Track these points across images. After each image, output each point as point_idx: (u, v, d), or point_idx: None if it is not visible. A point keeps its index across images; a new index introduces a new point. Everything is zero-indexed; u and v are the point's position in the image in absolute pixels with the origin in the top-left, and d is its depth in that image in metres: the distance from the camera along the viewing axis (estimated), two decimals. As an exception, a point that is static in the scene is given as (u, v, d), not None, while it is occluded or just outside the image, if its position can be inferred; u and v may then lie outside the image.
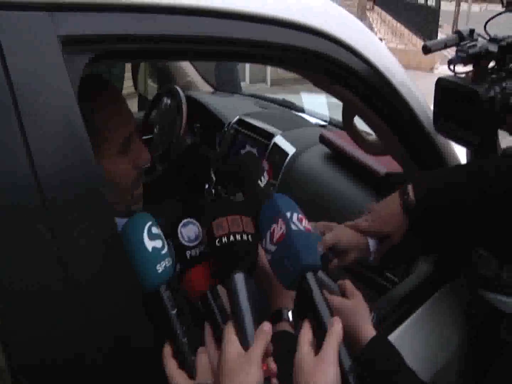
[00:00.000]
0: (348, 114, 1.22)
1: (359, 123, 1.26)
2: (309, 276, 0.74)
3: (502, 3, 1.10)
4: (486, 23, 1.10)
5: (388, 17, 12.45)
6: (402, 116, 1.11)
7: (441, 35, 11.05)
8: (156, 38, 0.68)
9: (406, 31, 11.57)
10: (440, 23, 10.74)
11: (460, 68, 1.08)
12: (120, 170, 0.89)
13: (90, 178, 0.61)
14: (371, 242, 1.08)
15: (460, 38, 1.08)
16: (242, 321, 0.71)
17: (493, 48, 1.03)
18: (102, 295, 0.61)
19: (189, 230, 0.82)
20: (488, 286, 1.26)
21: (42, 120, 0.57)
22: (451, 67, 1.07)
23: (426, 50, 1.08)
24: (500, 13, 1.08)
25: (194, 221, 0.83)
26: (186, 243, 0.81)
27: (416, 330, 1.21)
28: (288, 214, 0.77)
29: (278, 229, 0.77)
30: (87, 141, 0.60)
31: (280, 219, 0.77)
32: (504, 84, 0.99)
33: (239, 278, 0.74)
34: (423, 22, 10.78)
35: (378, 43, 1.06)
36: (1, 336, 0.53)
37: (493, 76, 1.02)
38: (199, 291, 0.81)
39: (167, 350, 0.75)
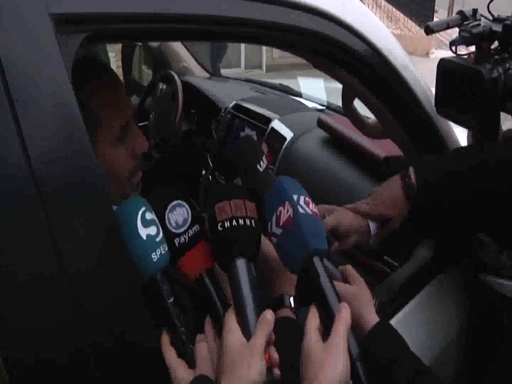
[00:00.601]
0: (348, 97, 1.20)
1: (358, 108, 1.25)
2: (316, 260, 0.73)
3: None
4: (489, 3, 1.08)
5: (384, 2, 12.37)
6: (403, 99, 1.09)
7: (437, 20, 10.98)
8: (154, 18, 0.65)
9: (401, 16, 11.50)
10: (435, 8, 10.68)
11: (462, 50, 1.06)
12: (118, 158, 0.86)
13: (86, 165, 0.59)
14: (372, 226, 1.07)
15: (463, 18, 1.06)
16: (243, 309, 0.69)
17: (497, 27, 1.01)
18: (99, 286, 0.60)
19: (177, 215, 0.78)
20: (489, 270, 1.26)
21: (35, 105, 0.55)
22: (453, 48, 1.05)
23: (429, 30, 1.06)
24: None
25: (182, 203, 0.79)
26: (174, 230, 0.77)
27: (416, 316, 1.20)
28: (295, 197, 0.75)
29: (285, 212, 0.75)
30: (82, 126, 0.58)
31: (287, 202, 0.75)
32: (507, 65, 0.97)
33: (241, 265, 0.72)
34: (418, 7, 10.72)
35: (379, 24, 1.04)
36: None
37: (496, 57, 1.00)
38: (194, 277, 0.79)
39: (165, 339, 0.74)
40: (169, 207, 0.78)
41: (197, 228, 0.79)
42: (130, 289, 0.65)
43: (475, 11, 1.06)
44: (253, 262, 0.75)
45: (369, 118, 1.27)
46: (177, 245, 0.77)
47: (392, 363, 0.76)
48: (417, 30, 10.66)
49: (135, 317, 0.64)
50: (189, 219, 0.79)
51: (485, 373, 1.30)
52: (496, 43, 1.04)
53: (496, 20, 1.04)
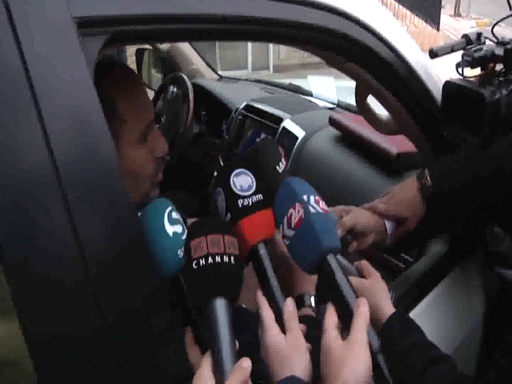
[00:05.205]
0: (361, 94, 1.21)
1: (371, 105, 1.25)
2: (330, 258, 0.73)
3: (510, 5, 1.09)
4: (493, 26, 1.09)
5: (390, -1, 12.38)
6: (416, 94, 1.10)
7: (443, 16, 10.95)
8: (174, 19, 0.67)
9: (407, 13, 11.46)
10: (442, 3, 10.63)
11: (469, 71, 1.07)
12: (139, 159, 0.87)
13: (107, 164, 0.60)
14: (388, 225, 1.08)
15: (467, 42, 1.07)
16: (219, 355, 0.64)
17: (499, 51, 1.02)
18: (121, 284, 0.60)
19: (242, 180, 0.80)
20: (504, 263, 1.26)
21: (59, 105, 0.56)
22: (459, 70, 1.06)
23: (433, 54, 1.07)
24: (508, 16, 1.07)
25: (248, 172, 0.81)
26: (238, 192, 0.78)
27: (433, 310, 1.20)
28: (305, 197, 0.76)
29: (296, 213, 0.75)
30: (104, 125, 0.59)
31: (297, 203, 0.75)
32: (511, 87, 0.99)
33: (219, 306, 0.67)
34: (425, 3, 10.67)
35: (392, 20, 1.04)
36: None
37: (501, 79, 1.02)
38: (250, 243, 0.78)
39: (189, 337, 0.74)
40: (235, 171, 0.80)
41: (260, 197, 0.80)
42: (153, 288, 0.65)
43: (479, 34, 1.08)
44: (234, 301, 0.70)
45: (382, 114, 1.27)
46: (240, 205, 0.78)
47: (409, 350, 0.77)
48: (423, 26, 10.62)
49: (159, 318, 0.65)
50: (254, 187, 0.80)
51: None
52: (501, 65, 1.05)
53: (500, 43, 1.05)
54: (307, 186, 0.80)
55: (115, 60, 0.87)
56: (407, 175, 1.34)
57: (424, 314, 1.16)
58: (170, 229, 0.74)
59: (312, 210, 0.74)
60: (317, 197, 0.77)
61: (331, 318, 0.71)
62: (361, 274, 0.91)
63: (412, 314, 1.13)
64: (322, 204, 0.77)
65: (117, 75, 0.86)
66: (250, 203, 0.79)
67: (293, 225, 0.75)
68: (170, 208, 0.76)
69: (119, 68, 0.89)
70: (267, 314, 0.73)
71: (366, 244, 1.06)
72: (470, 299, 1.29)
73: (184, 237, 0.75)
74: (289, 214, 0.76)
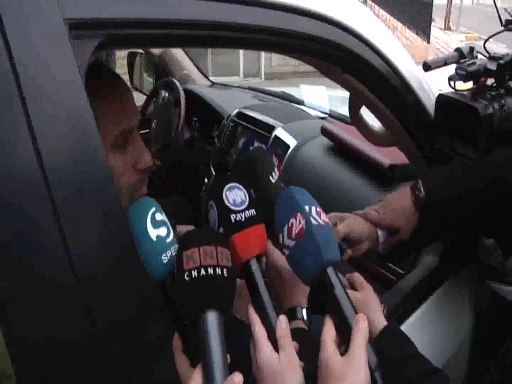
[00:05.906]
0: (355, 105, 1.21)
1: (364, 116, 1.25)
2: (330, 271, 0.72)
3: (501, 22, 1.10)
4: (485, 42, 1.11)
5: (381, 11, 12.48)
6: (410, 107, 1.10)
7: (433, 29, 11.09)
8: (167, 24, 0.65)
9: (399, 24, 11.60)
10: (432, 16, 10.76)
11: (461, 85, 1.08)
12: (115, 167, 0.81)
13: (98, 167, 0.58)
14: (380, 233, 1.08)
15: (460, 56, 1.08)
16: (210, 369, 0.63)
17: (492, 66, 1.04)
18: (111, 292, 0.58)
19: (234, 194, 0.78)
20: (494, 276, 1.26)
21: (49, 109, 0.54)
22: (451, 83, 1.07)
23: (427, 67, 1.08)
24: (499, 32, 1.09)
25: (241, 187, 0.79)
26: (231, 206, 0.76)
27: (425, 322, 1.20)
28: (307, 208, 0.74)
29: (297, 223, 0.73)
30: (95, 130, 0.58)
31: (299, 213, 0.74)
32: (503, 101, 1.00)
33: (211, 319, 0.66)
34: (416, 16, 10.80)
35: (387, 32, 1.04)
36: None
37: (492, 93, 1.03)
38: (244, 258, 0.76)
39: (177, 343, 0.72)
40: (227, 185, 0.78)
41: (253, 213, 0.78)
42: (144, 293, 0.64)
43: (471, 48, 1.09)
44: (225, 312, 0.69)
45: (375, 126, 1.27)
46: (232, 220, 0.76)
47: (403, 363, 0.76)
48: (414, 38, 10.74)
49: (150, 327, 0.63)
50: (247, 202, 0.78)
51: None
52: (492, 79, 1.06)
53: (492, 58, 1.06)
54: (309, 196, 0.79)
55: (98, 61, 0.84)
56: (400, 186, 1.34)
57: (415, 327, 1.15)
58: (153, 232, 0.71)
59: (313, 221, 0.73)
60: (318, 209, 0.76)
61: (329, 332, 0.70)
62: (352, 286, 0.90)
63: (404, 326, 1.13)
64: (323, 215, 0.76)
65: (98, 76, 0.81)
66: (243, 218, 0.77)
67: (293, 235, 0.74)
68: (153, 209, 0.73)
69: (101, 69, 0.85)
70: (260, 331, 0.71)
71: (360, 252, 1.06)
72: (460, 312, 1.30)
73: (169, 239, 0.73)
74: (290, 223, 0.75)
